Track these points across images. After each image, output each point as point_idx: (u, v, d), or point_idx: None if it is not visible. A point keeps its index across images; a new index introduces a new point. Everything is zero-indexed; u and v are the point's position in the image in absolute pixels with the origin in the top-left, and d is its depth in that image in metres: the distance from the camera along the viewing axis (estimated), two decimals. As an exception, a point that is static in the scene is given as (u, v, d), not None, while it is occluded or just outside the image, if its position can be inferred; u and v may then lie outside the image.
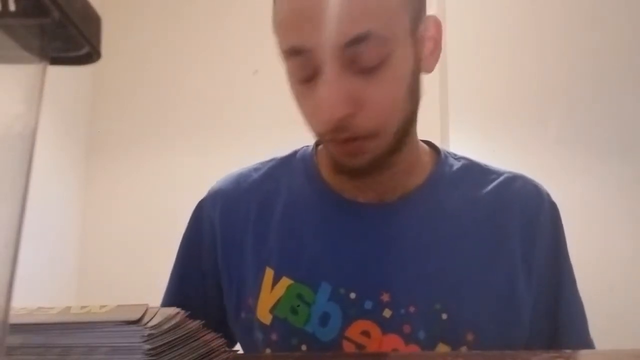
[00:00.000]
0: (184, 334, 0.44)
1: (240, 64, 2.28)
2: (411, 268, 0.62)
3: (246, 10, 2.24)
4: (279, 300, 0.63)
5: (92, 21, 0.27)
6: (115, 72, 2.41)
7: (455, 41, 2.08)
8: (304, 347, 0.61)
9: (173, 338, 0.42)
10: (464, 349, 0.59)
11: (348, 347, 0.60)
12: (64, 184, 2.31)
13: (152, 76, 2.44)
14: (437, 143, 0.74)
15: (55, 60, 0.27)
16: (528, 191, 0.68)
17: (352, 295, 0.61)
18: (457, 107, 2.08)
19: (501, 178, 0.68)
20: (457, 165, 0.70)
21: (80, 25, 0.26)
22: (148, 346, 0.39)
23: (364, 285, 0.61)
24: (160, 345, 0.40)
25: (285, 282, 0.63)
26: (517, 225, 0.65)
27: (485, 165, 0.71)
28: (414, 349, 0.59)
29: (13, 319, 0.26)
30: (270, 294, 0.64)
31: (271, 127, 2.03)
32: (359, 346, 0.60)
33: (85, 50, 0.28)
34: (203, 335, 0.47)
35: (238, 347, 0.67)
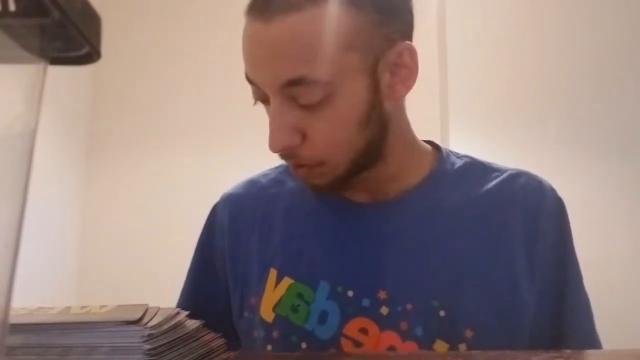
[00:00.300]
0: (184, 334, 0.44)
1: (240, 64, 2.27)
2: (408, 265, 0.63)
3: (246, 10, 2.24)
4: (280, 299, 0.64)
5: (92, 21, 0.27)
6: (115, 72, 2.41)
7: (455, 41, 2.08)
8: (303, 345, 0.62)
9: (173, 338, 0.42)
10: (462, 346, 0.59)
11: (346, 344, 0.61)
12: (64, 184, 2.31)
13: (152, 76, 2.44)
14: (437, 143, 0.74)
15: (55, 60, 0.27)
16: (531, 187, 0.67)
17: (350, 293, 0.62)
18: (457, 107, 2.08)
19: (504, 175, 0.68)
20: (459, 163, 0.70)
21: (80, 25, 0.26)
22: (148, 346, 0.39)
23: (361, 283, 0.62)
24: (160, 345, 0.40)
25: (287, 281, 0.65)
26: (519, 222, 0.65)
27: (489, 164, 0.71)
28: (411, 345, 0.59)
29: (13, 319, 0.26)
30: (273, 293, 0.65)
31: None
32: (357, 343, 0.61)
33: (85, 50, 0.28)
34: (203, 335, 0.47)
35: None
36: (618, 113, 2.04)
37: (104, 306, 0.44)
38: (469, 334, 0.59)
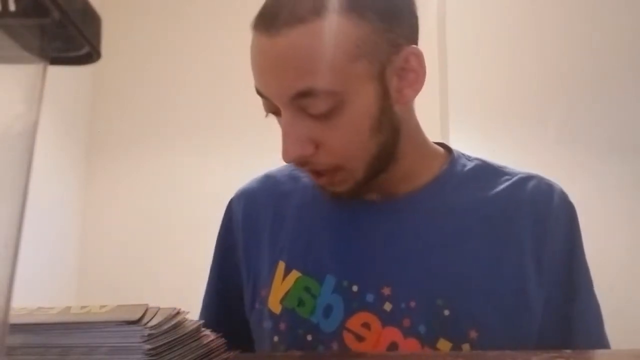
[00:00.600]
0: (184, 334, 0.44)
1: (240, 64, 2.27)
2: (413, 263, 0.63)
3: (246, 10, 2.24)
4: (288, 292, 0.66)
5: (92, 21, 0.27)
6: (115, 72, 2.41)
7: (455, 41, 2.08)
8: (309, 337, 0.63)
9: (173, 338, 0.42)
10: (466, 346, 0.59)
11: (348, 337, 0.62)
12: (64, 184, 2.31)
13: (152, 76, 2.44)
14: (438, 143, 0.74)
15: (55, 60, 0.27)
16: (541, 190, 0.67)
17: (355, 288, 0.63)
18: (457, 107, 2.08)
19: (515, 178, 0.68)
20: (469, 165, 0.70)
21: (80, 25, 0.26)
22: (148, 346, 0.39)
23: (366, 278, 0.63)
24: (160, 345, 0.40)
25: (295, 275, 0.66)
26: (527, 224, 0.65)
27: (501, 167, 0.71)
28: (412, 342, 0.60)
29: (13, 319, 0.26)
30: (281, 286, 0.67)
31: (271, 127, 2.02)
32: (359, 337, 0.61)
33: (85, 50, 0.28)
34: (203, 336, 0.47)
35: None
36: (618, 113, 2.04)
37: (104, 306, 0.44)
38: (473, 334, 0.59)
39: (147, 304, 0.43)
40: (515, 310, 0.61)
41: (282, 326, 0.65)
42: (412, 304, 0.61)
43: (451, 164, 0.70)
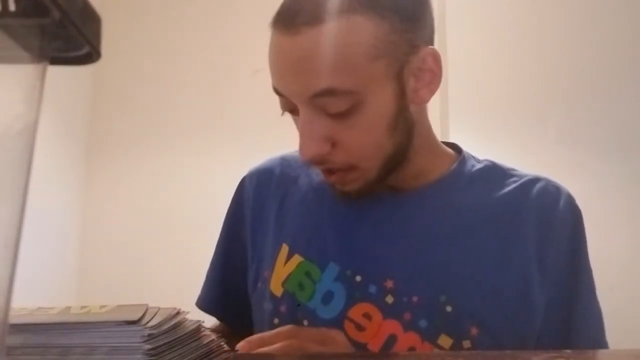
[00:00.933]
0: (184, 334, 0.44)
1: (240, 64, 2.28)
2: (417, 259, 0.64)
3: (246, 10, 2.24)
4: (289, 275, 0.67)
5: (92, 21, 0.27)
6: (115, 72, 2.41)
7: (455, 41, 2.08)
8: (305, 323, 0.64)
9: (173, 338, 0.42)
10: (466, 342, 0.59)
11: (349, 326, 0.62)
12: (64, 184, 2.31)
13: (152, 76, 2.44)
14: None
15: (55, 60, 0.27)
16: (548, 192, 0.68)
17: (358, 278, 0.64)
18: (457, 107, 2.08)
19: (522, 180, 0.69)
20: (478, 166, 0.71)
21: (80, 25, 0.26)
22: (148, 346, 0.39)
23: (370, 270, 0.64)
24: (160, 345, 0.40)
25: (297, 259, 0.67)
26: (532, 225, 0.65)
27: (509, 169, 0.72)
28: (412, 336, 0.60)
29: (13, 319, 0.26)
30: (283, 268, 0.68)
31: (271, 127, 2.02)
32: (360, 327, 0.62)
33: (85, 50, 0.28)
34: (203, 336, 0.47)
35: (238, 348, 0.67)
36: (618, 113, 2.04)
37: (104, 306, 0.44)
38: (474, 331, 0.60)
39: (147, 304, 0.43)
40: (517, 310, 0.62)
41: (283, 309, 0.66)
42: (415, 298, 0.61)
43: (460, 164, 0.71)
